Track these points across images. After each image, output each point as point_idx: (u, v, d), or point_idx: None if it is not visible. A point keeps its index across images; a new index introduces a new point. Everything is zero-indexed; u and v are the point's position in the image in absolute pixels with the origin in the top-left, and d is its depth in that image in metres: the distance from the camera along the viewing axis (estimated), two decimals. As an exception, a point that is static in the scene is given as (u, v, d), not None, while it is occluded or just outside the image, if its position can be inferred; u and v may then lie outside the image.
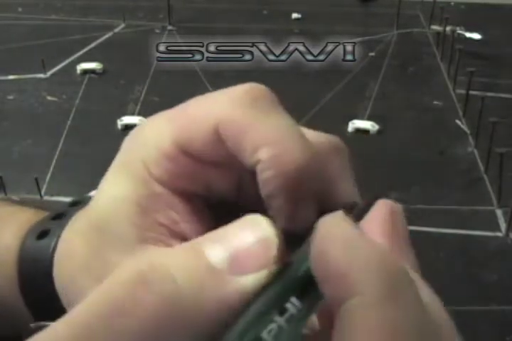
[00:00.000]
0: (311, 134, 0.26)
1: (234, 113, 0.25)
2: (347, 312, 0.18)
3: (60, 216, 0.34)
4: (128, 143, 0.29)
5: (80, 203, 0.35)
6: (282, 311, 0.20)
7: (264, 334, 0.19)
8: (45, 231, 0.33)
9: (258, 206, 0.24)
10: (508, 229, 0.67)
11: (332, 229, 0.20)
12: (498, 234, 0.68)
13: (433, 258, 0.64)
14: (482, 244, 0.66)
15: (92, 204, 0.29)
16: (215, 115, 0.25)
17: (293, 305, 0.20)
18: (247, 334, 0.19)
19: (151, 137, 0.27)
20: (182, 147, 0.26)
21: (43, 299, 0.32)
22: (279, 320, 0.19)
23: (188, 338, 0.19)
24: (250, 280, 0.20)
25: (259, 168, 0.24)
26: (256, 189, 0.26)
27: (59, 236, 0.32)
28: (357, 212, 0.23)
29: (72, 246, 0.30)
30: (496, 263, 0.64)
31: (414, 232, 0.68)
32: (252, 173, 0.25)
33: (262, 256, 0.20)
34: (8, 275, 0.34)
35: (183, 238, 0.27)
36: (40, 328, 0.19)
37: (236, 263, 0.20)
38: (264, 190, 0.24)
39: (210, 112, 0.26)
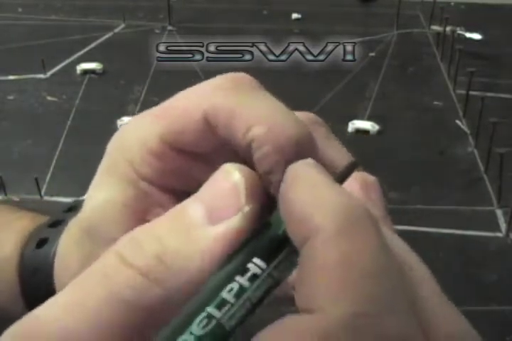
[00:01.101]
0: None
1: (221, 99, 0.25)
2: (306, 250, 0.18)
3: (58, 223, 0.34)
4: (112, 144, 0.28)
5: (76, 208, 0.34)
6: (244, 271, 0.20)
7: (224, 293, 0.19)
8: (44, 240, 0.33)
9: None
10: (508, 230, 0.67)
11: (298, 172, 0.21)
12: (498, 234, 0.68)
13: (433, 258, 0.64)
14: (482, 244, 0.66)
15: (82, 209, 0.29)
16: (203, 104, 0.25)
17: (255, 265, 0.20)
18: (214, 296, 0.19)
19: (135, 136, 0.27)
20: (171, 142, 0.26)
21: None
22: (240, 279, 0.20)
23: (175, 292, 0.20)
24: (225, 226, 0.21)
25: (254, 145, 0.24)
26: None
27: (57, 244, 0.32)
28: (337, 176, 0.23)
29: (66, 255, 0.30)
30: (496, 263, 0.64)
31: (414, 232, 0.68)
32: (245, 162, 0.25)
33: (232, 199, 0.21)
34: (9, 281, 0.34)
35: None
36: None
37: (212, 213, 0.21)
38: (263, 167, 0.24)
39: (197, 102, 0.26)
